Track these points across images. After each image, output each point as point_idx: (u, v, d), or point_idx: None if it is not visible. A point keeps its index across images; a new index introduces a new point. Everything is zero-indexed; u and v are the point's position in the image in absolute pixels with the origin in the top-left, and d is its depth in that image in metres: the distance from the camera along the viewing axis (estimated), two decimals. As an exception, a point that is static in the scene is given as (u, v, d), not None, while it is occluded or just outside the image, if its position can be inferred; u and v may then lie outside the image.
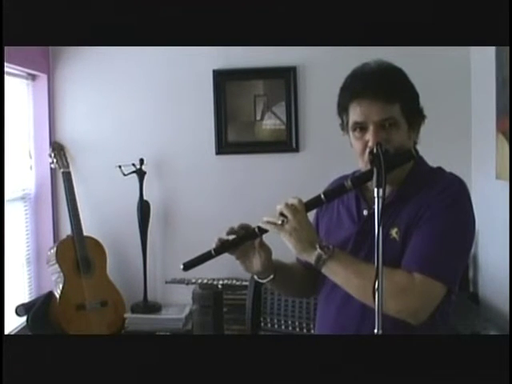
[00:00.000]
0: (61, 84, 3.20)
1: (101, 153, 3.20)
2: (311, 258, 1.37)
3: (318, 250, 1.36)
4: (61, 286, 2.87)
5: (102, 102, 3.21)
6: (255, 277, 1.55)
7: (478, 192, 2.53)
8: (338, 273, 1.37)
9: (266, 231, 1.42)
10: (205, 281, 2.95)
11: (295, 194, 1.42)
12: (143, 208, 3.09)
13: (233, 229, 1.46)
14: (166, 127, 3.19)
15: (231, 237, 1.46)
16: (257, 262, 1.48)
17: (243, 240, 1.46)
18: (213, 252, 1.44)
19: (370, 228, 1.33)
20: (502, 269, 2.50)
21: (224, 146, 3.16)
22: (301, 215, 1.38)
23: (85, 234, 3.01)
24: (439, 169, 1.50)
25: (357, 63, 1.47)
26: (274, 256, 1.52)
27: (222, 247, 1.45)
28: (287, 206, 1.38)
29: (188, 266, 1.46)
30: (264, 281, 1.53)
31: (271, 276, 1.52)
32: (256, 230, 1.43)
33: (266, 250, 1.49)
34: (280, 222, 1.37)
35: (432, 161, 1.52)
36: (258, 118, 3.15)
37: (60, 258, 2.90)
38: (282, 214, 1.38)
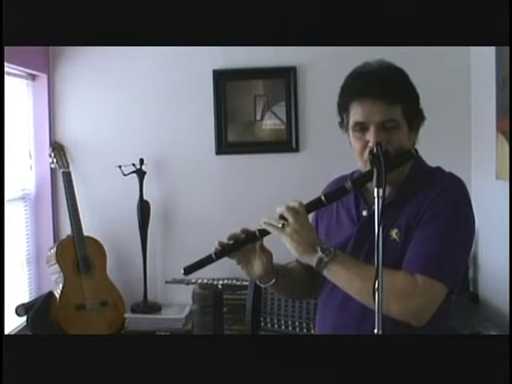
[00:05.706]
0: (61, 84, 3.20)
1: (101, 153, 3.20)
2: (312, 260, 1.36)
3: (320, 253, 1.35)
4: (61, 285, 2.87)
5: (102, 101, 3.21)
6: (257, 281, 1.53)
7: (477, 192, 2.52)
8: (339, 275, 1.36)
9: (266, 234, 1.41)
10: (205, 281, 2.95)
11: (295, 194, 1.42)
12: (143, 208, 3.08)
13: (234, 234, 1.45)
14: (166, 127, 3.19)
15: (232, 240, 1.44)
16: (258, 266, 1.46)
17: (244, 243, 1.44)
18: (213, 256, 1.43)
19: (369, 229, 1.32)
20: (502, 269, 2.50)
21: (224, 146, 3.16)
22: (302, 218, 1.37)
23: (85, 234, 3.01)
24: (438, 169, 1.49)
25: (357, 63, 1.46)
26: (275, 259, 1.50)
27: (223, 251, 1.43)
28: (288, 208, 1.37)
29: (188, 270, 1.45)
30: (266, 285, 1.52)
31: (273, 280, 1.50)
32: (257, 232, 1.42)
33: (266, 253, 1.47)
34: (281, 225, 1.36)
35: (432, 161, 1.51)
36: (258, 118, 3.15)
37: (60, 257, 2.90)
38: (282, 217, 1.37)
